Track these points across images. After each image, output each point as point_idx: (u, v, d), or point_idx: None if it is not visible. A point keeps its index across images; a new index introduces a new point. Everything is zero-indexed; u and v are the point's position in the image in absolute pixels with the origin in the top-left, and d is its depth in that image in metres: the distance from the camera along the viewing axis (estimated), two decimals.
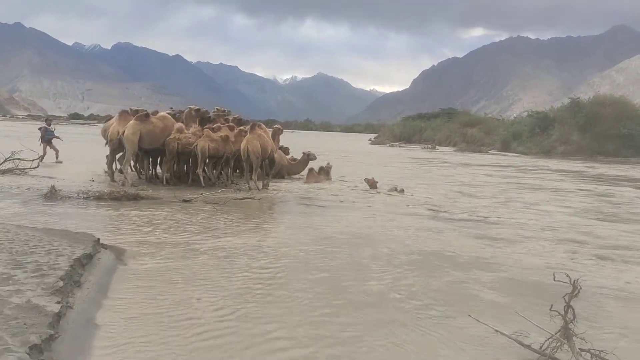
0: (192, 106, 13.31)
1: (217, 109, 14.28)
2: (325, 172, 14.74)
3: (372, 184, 13.26)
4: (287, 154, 16.15)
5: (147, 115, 12.19)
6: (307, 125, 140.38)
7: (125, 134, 11.79)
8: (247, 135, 12.21)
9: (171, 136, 11.99)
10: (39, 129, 17.99)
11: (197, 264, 5.80)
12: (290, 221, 8.88)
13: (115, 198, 9.87)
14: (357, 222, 8.92)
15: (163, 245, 6.58)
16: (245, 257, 6.16)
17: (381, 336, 4.04)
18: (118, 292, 4.76)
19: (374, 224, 8.78)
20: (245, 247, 6.69)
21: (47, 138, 17.50)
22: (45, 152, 16.92)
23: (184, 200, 10.18)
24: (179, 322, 4.09)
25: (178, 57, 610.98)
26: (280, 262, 6.06)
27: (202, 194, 10.83)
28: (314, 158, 15.82)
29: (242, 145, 12.12)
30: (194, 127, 12.36)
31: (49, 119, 19.60)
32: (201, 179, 12.19)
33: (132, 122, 11.95)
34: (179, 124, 12.18)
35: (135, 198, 10.07)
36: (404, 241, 7.50)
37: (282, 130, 14.78)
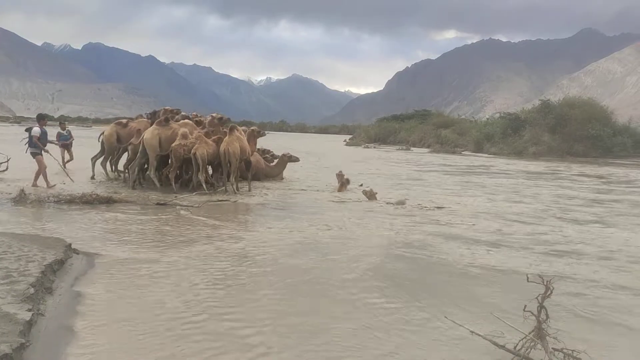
0: (214, 114, 13.15)
1: (195, 114, 14.23)
2: (344, 183, 14.20)
3: (371, 196, 11.96)
4: (269, 159, 15.93)
5: (167, 121, 12.20)
6: (282, 127, 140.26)
7: (144, 138, 11.88)
8: (226, 138, 12.11)
9: (176, 142, 11.77)
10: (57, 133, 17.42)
11: (169, 268, 5.73)
12: (264, 224, 8.81)
13: (87, 202, 9.71)
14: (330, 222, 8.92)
15: (136, 250, 6.48)
16: (218, 260, 6.12)
17: None
18: (90, 298, 4.68)
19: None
20: (219, 248, 6.64)
21: (61, 142, 16.66)
22: (67, 157, 16.39)
23: (158, 204, 10.06)
24: (151, 328, 4.04)
25: (151, 58, 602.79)
26: (252, 267, 6.04)
27: (176, 196, 10.70)
28: (297, 160, 15.71)
29: (222, 147, 11.99)
30: (197, 132, 12.18)
31: (62, 122, 18.82)
32: (203, 184, 11.84)
33: (152, 127, 12.11)
34: (183, 130, 11.99)
35: (108, 201, 9.91)
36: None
37: (260, 133, 13.76)
